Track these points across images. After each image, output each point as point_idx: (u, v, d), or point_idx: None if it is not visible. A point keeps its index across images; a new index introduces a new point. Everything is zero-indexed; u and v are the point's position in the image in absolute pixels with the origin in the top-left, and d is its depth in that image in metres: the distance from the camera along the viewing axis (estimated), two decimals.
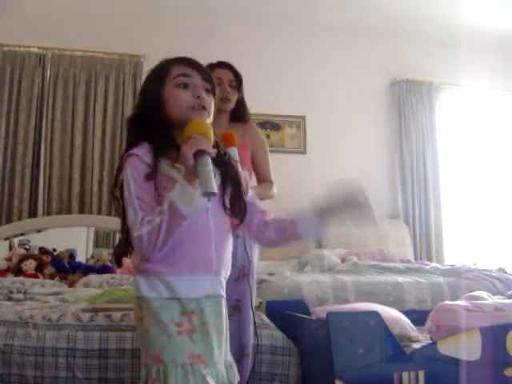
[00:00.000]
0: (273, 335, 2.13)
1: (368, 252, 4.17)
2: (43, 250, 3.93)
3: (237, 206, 1.33)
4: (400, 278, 3.39)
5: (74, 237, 4.21)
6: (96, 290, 2.81)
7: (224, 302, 1.33)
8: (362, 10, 4.77)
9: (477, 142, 5.32)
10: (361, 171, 4.95)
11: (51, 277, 3.53)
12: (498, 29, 5.06)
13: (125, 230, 1.28)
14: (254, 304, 2.07)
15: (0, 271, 3.52)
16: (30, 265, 3.54)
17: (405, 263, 3.97)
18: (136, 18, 4.64)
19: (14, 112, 4.32)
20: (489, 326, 1.93)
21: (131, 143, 1.31)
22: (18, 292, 2.78)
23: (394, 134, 5.18)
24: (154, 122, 1.31)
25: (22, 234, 4.11)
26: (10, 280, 3.08)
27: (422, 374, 1.83)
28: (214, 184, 1.14)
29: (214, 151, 1.20)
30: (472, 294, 2.48)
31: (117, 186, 1.31)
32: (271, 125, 4.89)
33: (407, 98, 5.19)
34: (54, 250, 3.95)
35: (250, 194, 1.43)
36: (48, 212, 4.26)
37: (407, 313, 2.44)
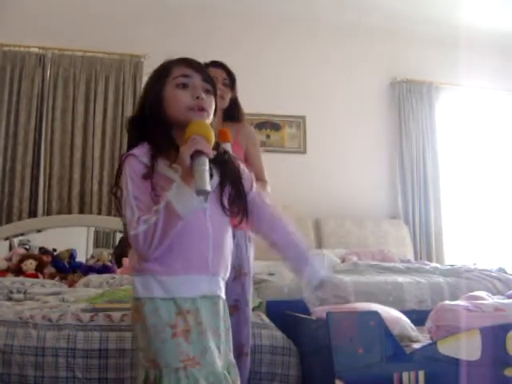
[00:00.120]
0: (273, 335, 2.13)
1: (368, 252, 4.16)
2: (43, 250, 3.93)
3: (236, 206, 1.33)
4: (400, 278, 3.38)
5: (74, 237, 4.21)
6: (96, 290, 2.80)
7: (222, 303, 1.32)
8: (362, 9, 4.78)
9: (477, 142, 5.32)
10: (360, 171, 4.97)
11: (51, 277, 3.53)
12: (498, 29, 5.06)
13: (126, 230, 1.28)
14: (251, 303, 2.07)
15: (0, 271, 3.52)
16: (30, 265, 3.54)
17: (405, 263, 3.96)
18: (136, 18, 4.64)
19: (14, 112, 4.32)
20: (489, 326, 1.93)
21: (132, 144, 1.32)
22: (18, 292, 2.77)
23: (393, 134, 5.18)
24: (154, 123, 1.31)
25: (22, 234, 4.12)
26: (10, 280, 3.08)
27: (421, 374, 1.82)
28: (208, 183, 1.14)
29: (212, 152, 1.20)
30: (472, 294, 2.48)
31: (117, 186, 1.31)
32: (271, 125, 4.89)
33: (407, 98, 5.19)
34: (54, 249, 3.95)
35: (256, 193, 1.40)
36: (48, 212, 4.27)
37: (407, 313, 2.43)
